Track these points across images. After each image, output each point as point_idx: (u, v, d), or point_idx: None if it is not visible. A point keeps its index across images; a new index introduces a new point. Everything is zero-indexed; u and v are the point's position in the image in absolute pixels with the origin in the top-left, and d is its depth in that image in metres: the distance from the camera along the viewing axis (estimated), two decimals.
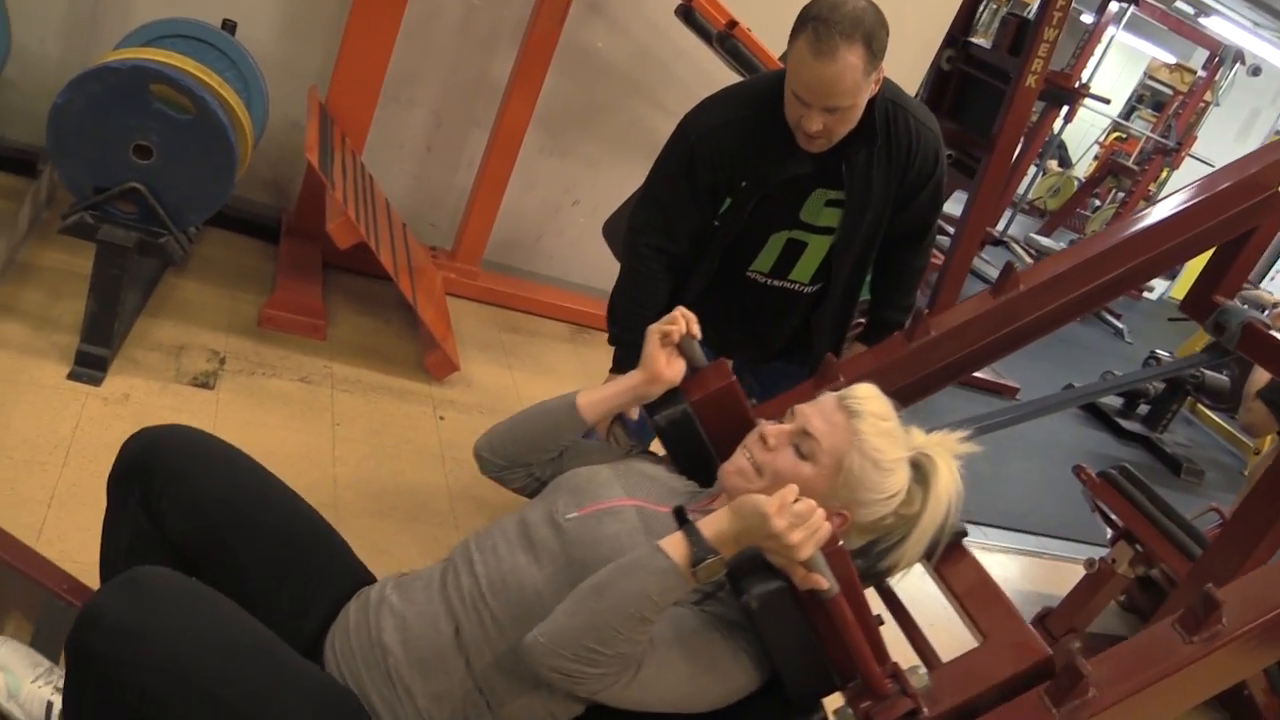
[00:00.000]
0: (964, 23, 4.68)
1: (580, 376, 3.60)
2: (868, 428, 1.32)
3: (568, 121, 3.92)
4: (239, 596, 1.24)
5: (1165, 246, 1.87)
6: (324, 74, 3.42)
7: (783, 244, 2.09)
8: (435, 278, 3.62)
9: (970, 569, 1.51)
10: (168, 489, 1.36)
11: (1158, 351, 5.68)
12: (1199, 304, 2.01)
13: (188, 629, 1.15)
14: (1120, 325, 7.63)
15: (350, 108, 3.32)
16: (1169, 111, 10.23)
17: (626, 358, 2.12)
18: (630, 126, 3.89)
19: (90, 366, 2.52)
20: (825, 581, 1.15)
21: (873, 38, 1.74)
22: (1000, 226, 7.97)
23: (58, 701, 1.41)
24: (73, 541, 2.03)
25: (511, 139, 3.61)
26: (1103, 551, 3.04)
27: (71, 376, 2.50)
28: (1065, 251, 1.90)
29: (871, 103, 1.89)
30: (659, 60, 3.83)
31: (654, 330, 1.49)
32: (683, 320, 1.50)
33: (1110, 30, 8.10)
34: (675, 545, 1.17)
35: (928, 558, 1.40)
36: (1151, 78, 13.52)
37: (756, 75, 2.57)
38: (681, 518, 1.25)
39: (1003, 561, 3.69)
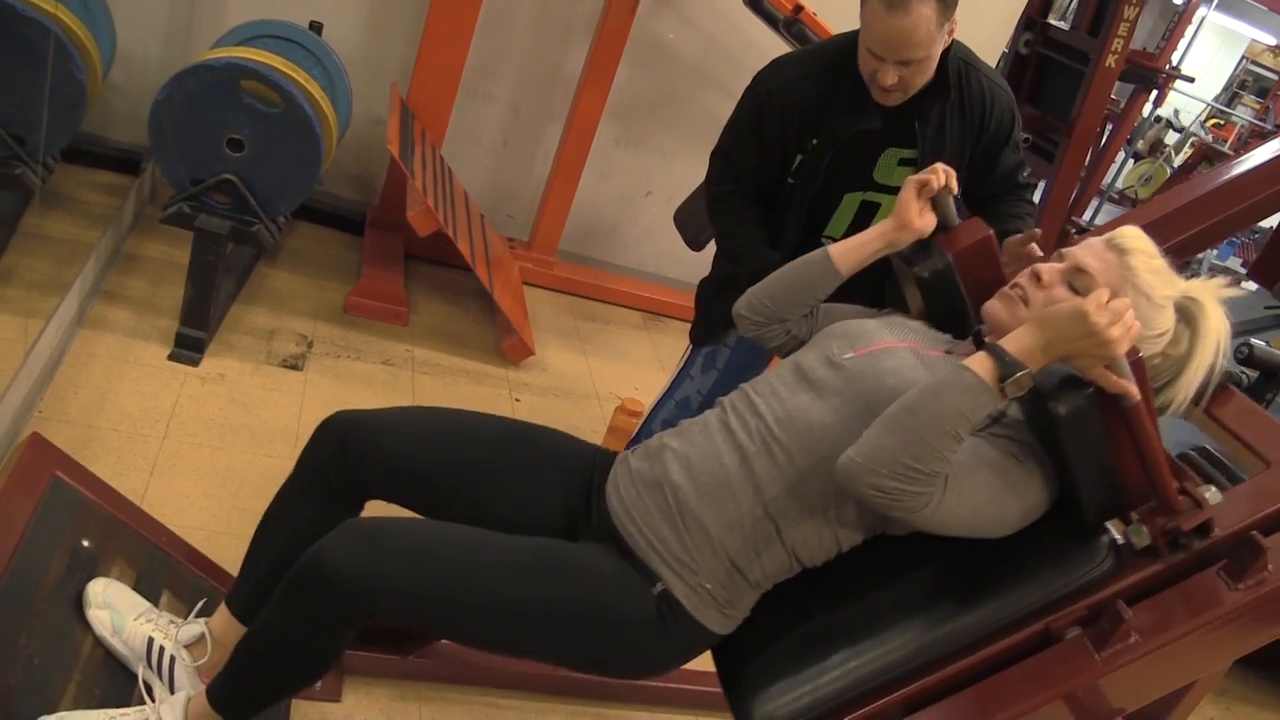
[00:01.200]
0: (1042, 4, 4.61)
1: (654, 362, 3.66)
2: (1140, 264, 1.35)
3: (641, 113, 4.00)
4: (477, 523, 1.37)
5: (1231, 210, 1.84)
6: (406, 71, 3.55)
7: (857, 206, 2.10)
8: (513, 267, 3.73)
9: (1243, 406, 1.53)
10: (365, 467, 1.48)
11: (1252, 340, 5.50)
12: (1269, 269, 1.98)
13: (401, 551, 1.29)
14: None
15: (430, 103, 3.45)
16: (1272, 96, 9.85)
17: None
18: (702, 117, 3.94)
19: (188, 348, 2.68)
20: (1133, 387, 1.18)
21: None
22: (1087, 216, 7.79)
23: (159, 637, 1.52)
24: (172, 506, 2.18)
25: (585, 131, 3.70)
26: None
27: (171, 357, 2.66)
28: (1125, 216, 1.89)
29: (945, 58, 1.91)
30: (729, 50, 3.88)
31: (911, 180, 1.52)
32: (942, 173, 1.52)
33: (1201, 10, 7.86)
34: (980, 363, 1.21)
35: (1196, 402, 1.39)
36: (1254, 62, 13.01)
37: (827, 39, 2.59)
38: (980, 339, 1.30)
39: None
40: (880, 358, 1.39)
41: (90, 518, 1.67)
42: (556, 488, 1.50)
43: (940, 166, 1.53)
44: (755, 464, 1.36)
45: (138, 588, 1.63)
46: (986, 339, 1.28)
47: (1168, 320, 1.35)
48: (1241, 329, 2.89)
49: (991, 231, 1.55)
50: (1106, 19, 4.27)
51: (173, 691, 1.50)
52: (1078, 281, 1.36)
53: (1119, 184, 8.64)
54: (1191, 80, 6.95)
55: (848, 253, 1.55)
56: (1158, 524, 1.26)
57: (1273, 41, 11.27)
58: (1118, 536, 1.32)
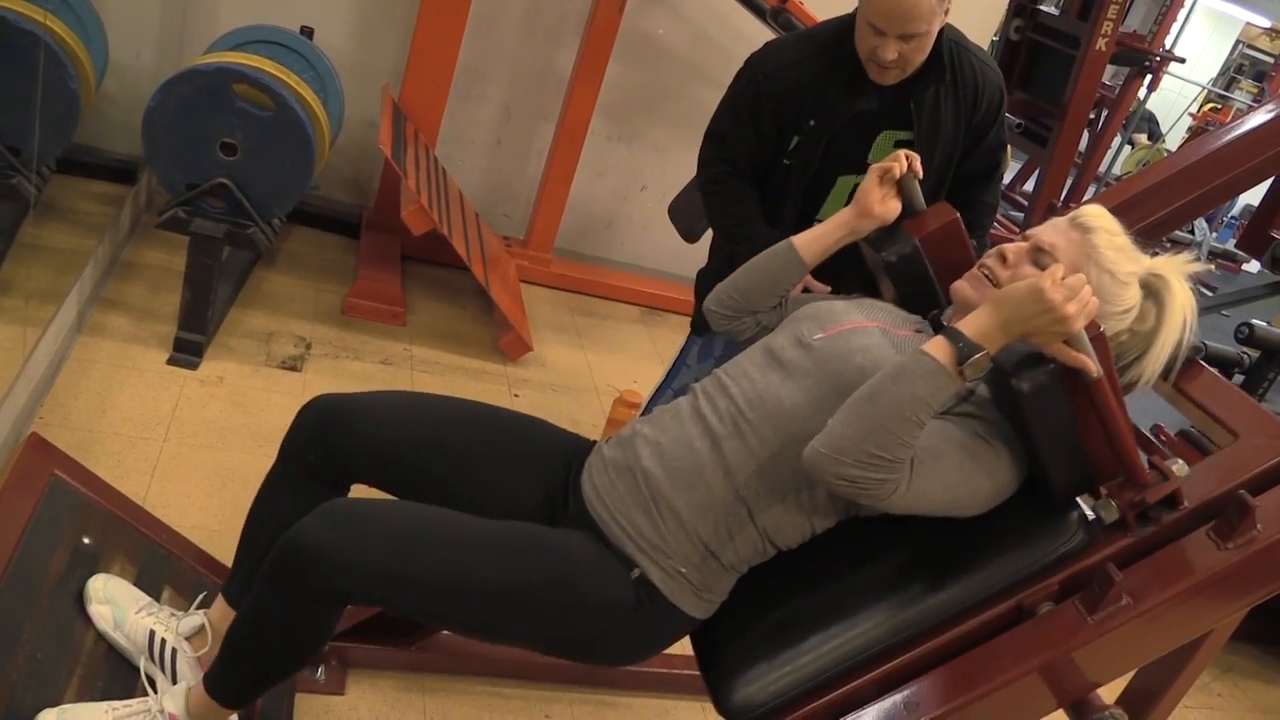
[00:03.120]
0: None
1: (652, 355, 3.68)
2: (1102, 241, 1.36)
3: (633, 109, 4.01)
4: (456, 508, 1.36)
5: (1216, 181, 1.86)
6: (398, 74, 3.57)
7: (850, 189, 2.10)
8: (509, 265, 3.74)
9: (1210, 380, 1.55)
10: (344, 449, 1.49)
11: (1252, 321, 5.50)
12: (1255, 240, 1.99)
13: (380, 534, 1.28)
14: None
15: (422, 104, 3.46)
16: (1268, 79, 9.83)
17: None
18: (695, 111, 3.95)
19: (187, 352, 2.70)
20: (1092, 362, 1.18)
21: None
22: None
23: (160, 630, 1.54)
24: (174, 507, 2.19)
25: (577, 129, 3.71)
26: None
27: (171, 361, 2.68)
28: (1109, 190, 1.90)
29: (939, 39, 1.92)
30: (719, 44, 3.89)
31: (875, 167, 1.53)
32: (904, 159, 1.52)
33: None
34: (938, 347, 1.21)
35: (1165, 377, 1.41)
36: (1250, 46, 12.99)
37: (820, 23, 2.61)
38: (939, 323, 1.31)
39: None
40: (849, 337, 1.39)
41: (90, 515, 1.69)
42: (535, 475, 1.50)
43: (904, 152, 1.53)
44: (726, 447, 1.36)
45: (139, 584, 1.64)
46: (946, 322, 1.28)
47: (1133, 296, 1.36)
48: (1238, 299, 2.90)
49: (958, 215, 1.56)
50: (1096, 3, 4.28)
51: (175, 683, 1.51)
52: (1041, 260, 1.37)
53: (1116, 169, 8.63)
54: (1182, 61, 6.96)
55: (811, 242, 1.55)
56: (1125, 498, 1.27)
57: (1267, 24, 11.25)
58: (1088, 511, 1.32)
